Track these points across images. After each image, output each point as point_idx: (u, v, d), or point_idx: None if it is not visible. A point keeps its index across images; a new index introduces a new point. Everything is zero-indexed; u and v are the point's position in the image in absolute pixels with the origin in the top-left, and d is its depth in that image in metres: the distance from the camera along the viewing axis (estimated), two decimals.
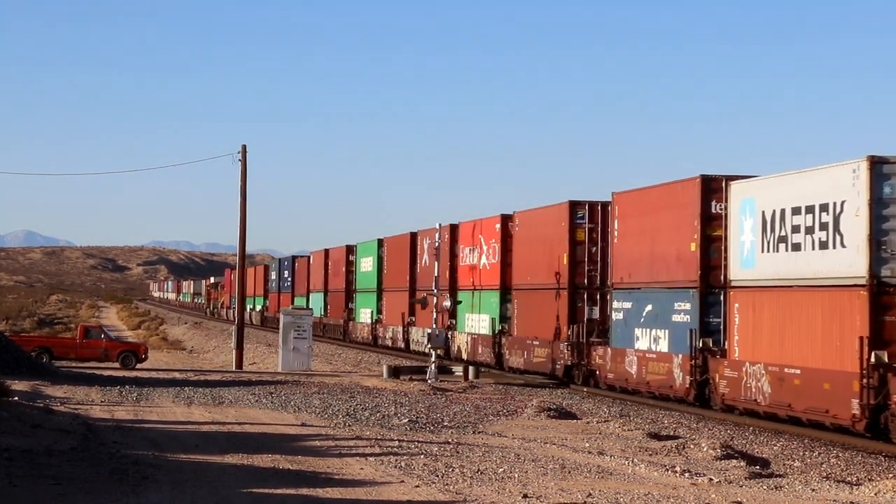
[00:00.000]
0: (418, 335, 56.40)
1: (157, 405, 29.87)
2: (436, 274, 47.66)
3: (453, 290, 51.99)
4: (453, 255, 52.82)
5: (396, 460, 19.94)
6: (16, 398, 28.18)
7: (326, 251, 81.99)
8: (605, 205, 39.73)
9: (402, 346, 60.20)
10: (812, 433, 27.61)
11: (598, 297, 40.06)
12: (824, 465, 23.38)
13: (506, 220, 46.82)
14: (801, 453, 24.96)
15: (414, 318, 58.27)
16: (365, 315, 68.89)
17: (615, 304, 37.63)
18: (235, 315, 53.39)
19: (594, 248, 40.35)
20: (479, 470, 19.01)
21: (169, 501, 15.54)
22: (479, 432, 25.36)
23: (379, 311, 66.54)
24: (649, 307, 35.15)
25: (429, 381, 40.51)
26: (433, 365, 41.99)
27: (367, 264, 69.23)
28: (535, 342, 43.02)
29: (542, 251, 42.60)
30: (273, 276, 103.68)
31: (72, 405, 28.74)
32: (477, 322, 49.23)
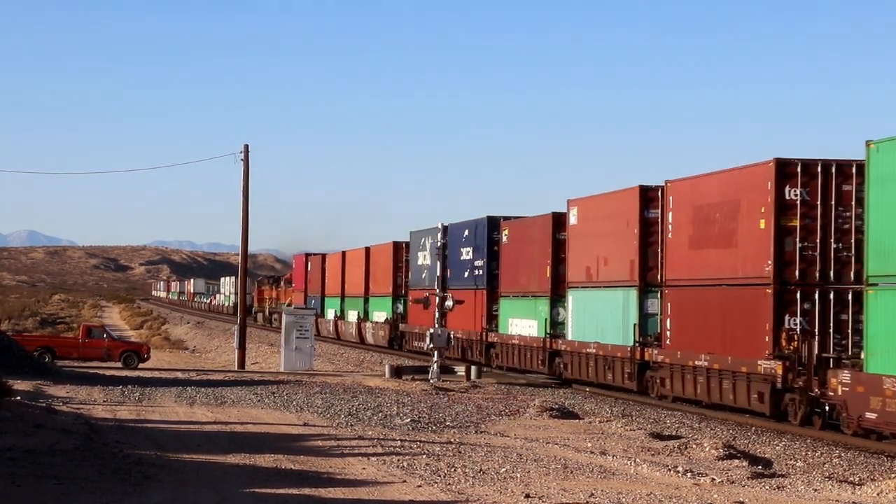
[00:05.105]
0: None
1: (160, 405, 29.89)
2: None
3: None
4: None
5: (399, 460, 19.95)
6: (18, 398, 28.19)
7: (643, 189, 35.91)
8: None
9: None
10: (817, 433, 27.60)
11: None
12: (826, 465, 23.36)
13: None
14: (804, 453, 24.94)
15: None
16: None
17: None
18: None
19: None
20: (481, 470, 19.02)
21: (171, 501, 15.55)
22: (482, 432, 25.37)
23: None
24: None
25: (431, 381, 40.51)
26: (435, 364, 41.98)
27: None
28: None
29: None
30: (424, 259, 56.70)
31: (74, 405, 28.75)
32: None
